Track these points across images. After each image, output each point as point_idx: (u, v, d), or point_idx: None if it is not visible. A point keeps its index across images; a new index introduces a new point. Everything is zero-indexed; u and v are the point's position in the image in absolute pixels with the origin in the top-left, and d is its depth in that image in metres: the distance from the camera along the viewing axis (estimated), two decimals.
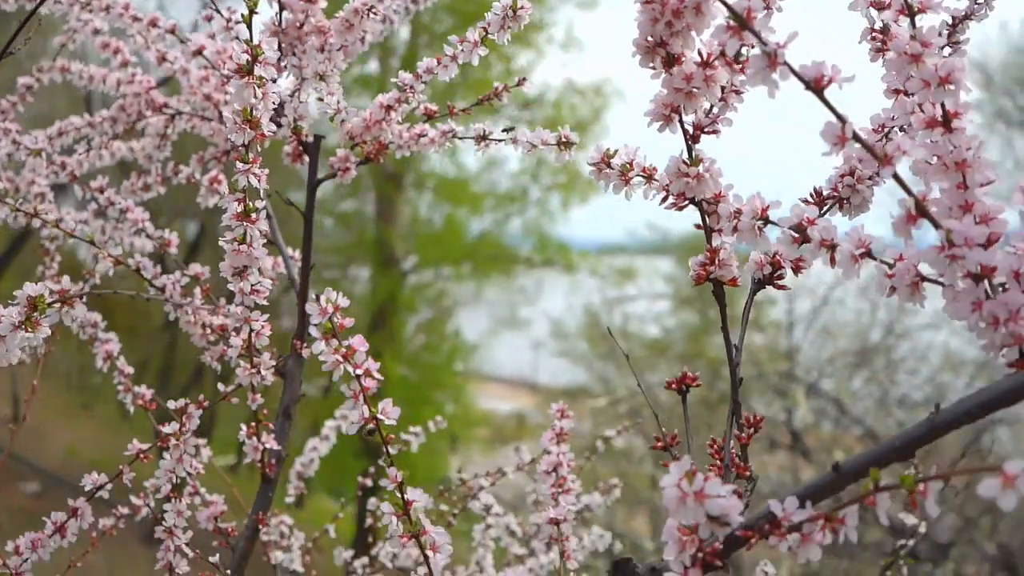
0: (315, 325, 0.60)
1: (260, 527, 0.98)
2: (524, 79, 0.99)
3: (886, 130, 0.69)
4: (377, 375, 0.62)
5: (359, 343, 0.62)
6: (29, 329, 0.67)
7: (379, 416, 0.62)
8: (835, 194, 0.68)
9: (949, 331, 7.45)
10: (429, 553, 0.64)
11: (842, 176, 0.67)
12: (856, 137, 0.50)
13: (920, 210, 0.51)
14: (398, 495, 0.64)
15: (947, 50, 0.71)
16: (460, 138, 0.95)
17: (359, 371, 0.61)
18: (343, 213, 11.68)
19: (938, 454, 6.38)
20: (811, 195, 0.68)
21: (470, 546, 1.28)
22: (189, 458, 0.91)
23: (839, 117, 0.50)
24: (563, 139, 0.84)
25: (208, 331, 1.02)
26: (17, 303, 0.66)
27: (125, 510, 1.12)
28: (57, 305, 0.67)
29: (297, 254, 1.11)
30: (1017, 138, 8.97)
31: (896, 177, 0.51)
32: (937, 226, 0.51)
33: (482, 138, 0.93)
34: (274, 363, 0.90)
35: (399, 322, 11.02)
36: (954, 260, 0.50)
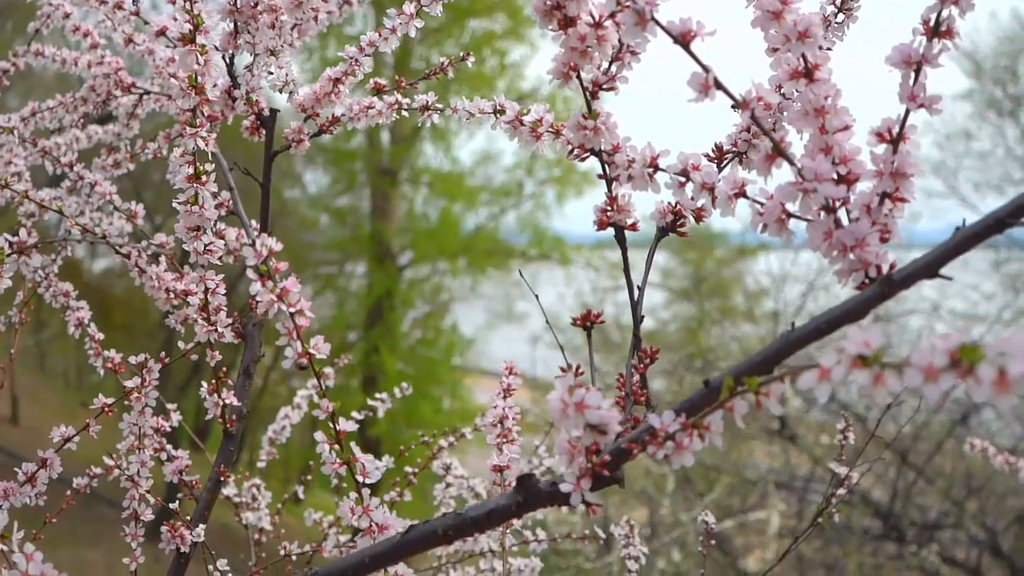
0: (250, 267, 0.66)
1: (222, 479, 1.04)
2: (468, 54, 1.04)
3: (782, 89, 0.74)
4: (309, 313, 0.68)
5: (292, 284, 0.68)
6: None
7: (311, 351, 0.68)
8: (734, 148, 0.73)
9: (934, 317, 7.55)
10: (359, 478, 0.70)
11: (740, 131, 0.73)
12: (718, 84, 0.56)
13: (777, 150, 0.57)
14: (331, 426, 0.70)
15: (840, 16, 0.77)
16: (406, 109, 1.01)
17: (293, 310, 0.67)
18: (339, 209, 11.75)
19: (926, 438, 6.43)
20: (712, 150, 0.74)
21: (433, 506, 1.34)
22: (150, 411, 0.97)
23: (703, 67, 0.56)
24: (498, 107, 0.90)
25: (172, 296, 1.08)
26: None
27: (98, 470, 1.18)
28: (15, 256, 0.73)
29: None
30: (1008, 127, 9.03)
31: (755, 121, 0.57)
32: (792, 164, 0.57)
33: (425, 108, 0.99)
34: (230, 321, 0.96)
35: (396, 317, 11.08)
36: (807, 194, 0.56)
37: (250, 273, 0.67)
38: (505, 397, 1.01)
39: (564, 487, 0.60)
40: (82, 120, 1.25)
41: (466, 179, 11.76)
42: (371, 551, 0.64)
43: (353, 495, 0.70)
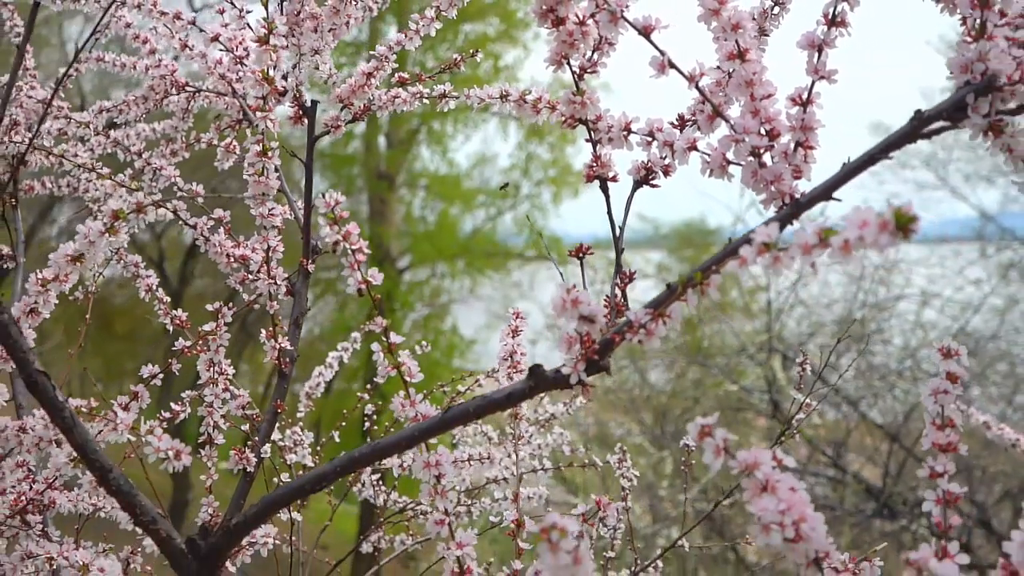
0: (322, 214, 0.86)
1: (279, 412, 1.24)
2: (477, 51, 1.25)
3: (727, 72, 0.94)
4: (366, 250, 0.88)
5: (354, 228, 0.87)
6: (111, 234, 0.92)
7: (369, 278, 0.88)
8: (692, 118, 0.93)
9: (928, 307, 7.77)
10: (407, 378, 0.90)
11: (696, 104, 0.93)
12: (671, 64, 0.76)
13: (716, 112, 0.77)
14: (384, 340, 0.90)
15: (777, 9, 0.97)
16: (426, 98, 1.21)
17: (354, 247, 0.87)
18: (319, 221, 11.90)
19: (916, 419, 6.61)
20: (676, 119, 0.94)
21: (451, 444, 1.54)
22: (223, 350, 1.17)
23: (660, 52, 0.76)
24: (503, 93, 1.10)
25: (231, 260, 1.27)
26: (102, 215, 0.92)
27: (167, 414, 1.37)
28: (135, 214, 0.92)
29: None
30: None
31: (698, 89, 0.77)
32: (727, 121, 0.77)
33: (443, 96, 1.19)
34: (287, 275, 1.16)
35: (396, 320, 11.26)
36: (738, 143, 0.76)
37: (321, 220, 0.87)
38: (513, 336, 1.21)
39: (565, 371, 0.80)
40: (144, 115, 1.45)
41: (463, 181, 11.96)
42: (418, 427, 0.84)
43: (402, 393, 0.90)
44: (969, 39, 0.69)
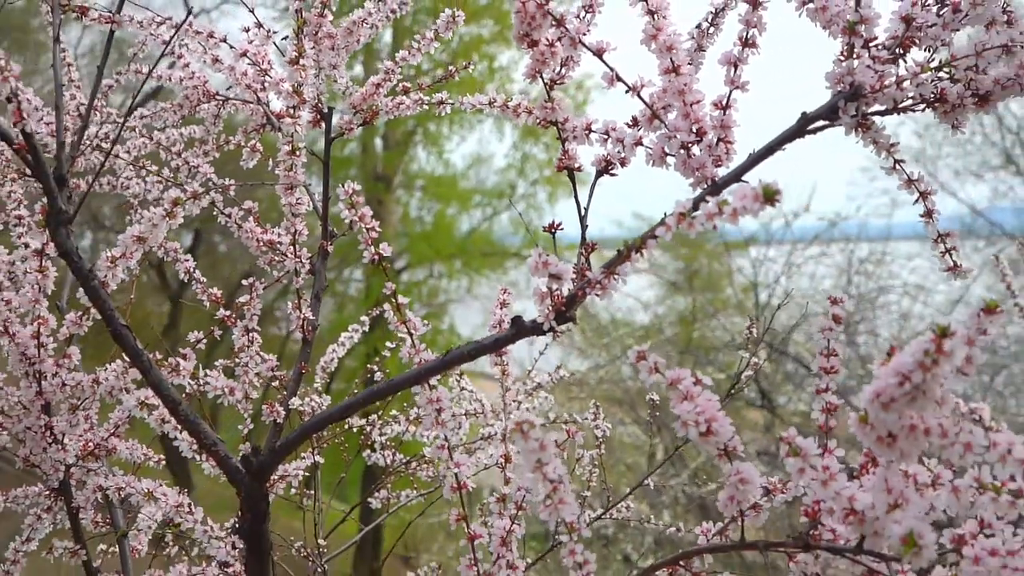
0: (341, 200, 1.07)
1: (303, 372, 1.45)
2: (469, 63, 1.46)
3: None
4: (377, 229, 1.09)
5: (367, 210, 1.09)
6: (171, 218, 1.13)
7: (380, 251, 1.09)
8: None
9: (918, 301, 8.01)
10: (413, 332, 1.11)
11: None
12: (618, 78, 0.97)
13: (654, 115, 0.98)
14: (393, 300, 1.11)
15: (712, 28, 1.19)
16: (427, 104, 1.42)
17: (368, 226, 1.08)
18: (335, 216, 12.10)
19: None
20: (631, 119, 1.15)
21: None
22: (256, 319, 1.38)
23: (610, 68, 0.98)
24: (492, 100, 1.31)
25: (260, 243, 1.48)
26: (162, 204, 1.13)
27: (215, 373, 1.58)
28: (191, 200, 1.14)
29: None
30: (985, 115, 9.44)
31: (640, 98, 0.98)
32: (662, 122, 0.98)
33: (441, 103, 1.41)
34: (311, 255, 1.37)
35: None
36: (671, 139, 0.97)
37: (341, 203, 1.08)
38: (501, 308, 1.42)
39: (539, 320, 1.01)
40: (180, 120, 1.66)
41: (459, 182, 12.15)
42: (424, 367, 1.05)
43: (408, 341, 1.11)
44: (841, 57, 0.91)
